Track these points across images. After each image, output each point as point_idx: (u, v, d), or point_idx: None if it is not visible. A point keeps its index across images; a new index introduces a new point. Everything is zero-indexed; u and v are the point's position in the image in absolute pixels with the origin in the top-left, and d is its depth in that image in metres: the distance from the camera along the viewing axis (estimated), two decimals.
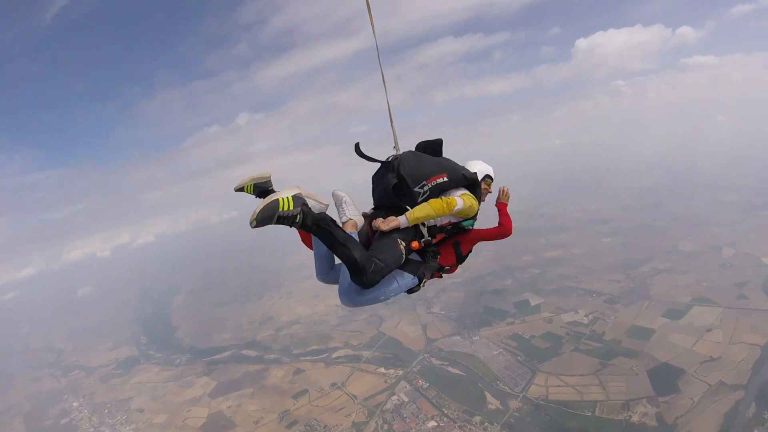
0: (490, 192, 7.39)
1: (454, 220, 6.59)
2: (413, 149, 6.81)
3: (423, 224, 6.23)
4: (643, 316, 70.53)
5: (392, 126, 7.11)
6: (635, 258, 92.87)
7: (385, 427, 59.85)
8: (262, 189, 5.67)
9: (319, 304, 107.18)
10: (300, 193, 5.11)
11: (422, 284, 6.37)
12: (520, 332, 73.24)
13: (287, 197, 4.93)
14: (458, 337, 76.57)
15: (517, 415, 55.86)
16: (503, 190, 7.33)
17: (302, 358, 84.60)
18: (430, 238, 6.32)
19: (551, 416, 54.32)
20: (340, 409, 65.96)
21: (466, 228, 6.81)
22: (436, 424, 57.43)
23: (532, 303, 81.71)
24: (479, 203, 6.84)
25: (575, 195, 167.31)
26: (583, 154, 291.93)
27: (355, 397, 67.85)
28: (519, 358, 66.86)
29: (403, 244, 5.81)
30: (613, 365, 60.85)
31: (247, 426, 68.52)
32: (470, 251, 7.08)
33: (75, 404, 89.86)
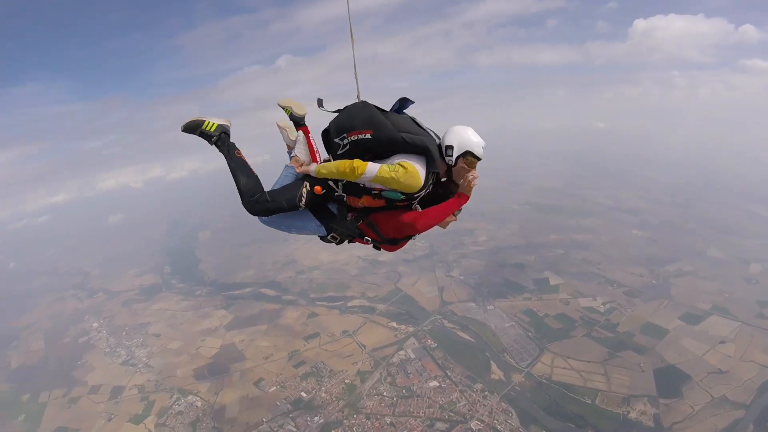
0: (474, 175, 5.84)
1: (380, 187, 5.73)
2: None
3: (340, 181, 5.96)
4: (659, 315, 70.09)
5: (355, 75, 6.92)
6: (661, 255, 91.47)
7: (389, 379, 61.49)
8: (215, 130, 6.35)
9: (342, 253, 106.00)
10: (227, 125, 6.32)
11: (334, 239, 6.44)
12: (534, 309, 73.57)
13: (213, 122, 6.22)
14: (473, 304, 77.17)
15: (518, 389, 56.81)
16: (467, 178, 5.79)
17: (318, 303, 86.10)
18: (343, 194, 6.08)
19: (551, 396, 55.15)
20: (347, 356, 67.77)
21: (394, 201, 5.91)
22: (438, 384, 58.82)
23: (552, 282, 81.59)
24: (431, 180, 5.80)
25: (608, 180, 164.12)
26: (623, 140, 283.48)
27: (364, 346, 69.54)
28: (529, 333, 67.48)
29: (306, 188, 6.02)
30: (621, 357, 61.04)
31: (256, 360, 70.58)
32: (407, 236, 6.16)
33: (95, 325, 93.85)
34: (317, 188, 5.99)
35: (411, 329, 72.23)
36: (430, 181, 5.82)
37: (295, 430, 56.24)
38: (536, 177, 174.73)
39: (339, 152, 5.92)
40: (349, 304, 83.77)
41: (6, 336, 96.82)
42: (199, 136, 6.21)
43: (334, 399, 59.61)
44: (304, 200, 6.03)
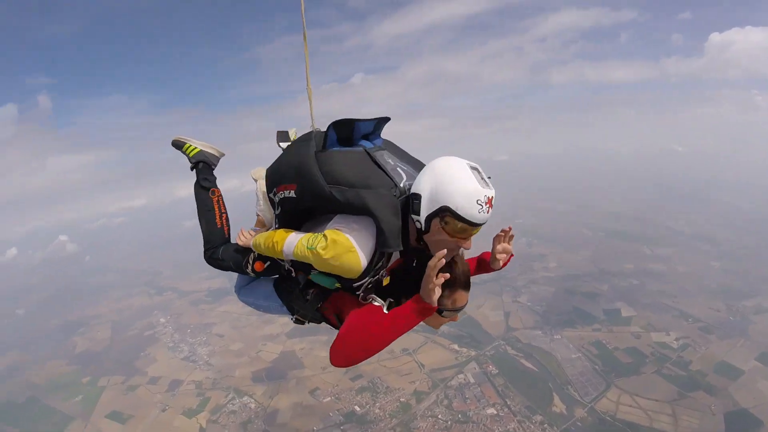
0: (460, 244, 3.67)
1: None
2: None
3: None
4: (735, 354, 65.66)
5: (309, 96, 5.26)
6: (740, 288, 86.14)
7: (445, 402, 59.83)
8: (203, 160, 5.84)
9: None
10: (210, 154, 5.82)
11: (299, 322, 4.84)
12: (604, 341, 70.32)
13: (195, 147, 5.80)
14: (539, 332, 74.62)
15: (579, 424, 54.12)
16: (434, 262, 3.32)
17: None
18: (290, 269, 4.44)
19: None
20: (405, 374, 66.59)
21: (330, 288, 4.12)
22: (495, 412, 56.61)
23: (624, 314, 77.93)
24: (381, 259, 3.79)
25: (685, 206, 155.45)
26: (701, 164, 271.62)
27: (423, 366, 68.16)
28: (596, 366, 64.47)
29: (250, 259, 4.74)
30: (691, 398, 57.46)
31: (314, 369, 70.95)
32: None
33: (162, 320, 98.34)
34: (257, 264, 4.67)
35: (473, 353, 70.15)
36: (379, 262, 3.77)
37: None
38: (609, 201, 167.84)
39: (276, 214, 4.37)
40: None
41: (75, 322, 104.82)
42: (183, 154, 5.94)
43: (387, 416, 58.74)
44: (250, 267, 4.76)
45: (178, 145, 5.93)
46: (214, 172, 5.87)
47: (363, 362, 3.78)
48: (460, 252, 3.86)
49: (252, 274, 4.86)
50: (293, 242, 3.79)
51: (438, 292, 3.41)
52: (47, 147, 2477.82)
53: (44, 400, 74.35)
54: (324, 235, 3.53)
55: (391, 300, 3.90)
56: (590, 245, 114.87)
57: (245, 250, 4.82)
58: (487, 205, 3.41)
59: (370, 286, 3.98)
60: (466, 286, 3.82)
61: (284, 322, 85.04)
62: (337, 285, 3.96)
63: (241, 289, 5.54)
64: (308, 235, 3.74)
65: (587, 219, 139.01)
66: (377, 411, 59.91)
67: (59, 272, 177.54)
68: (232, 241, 5.32)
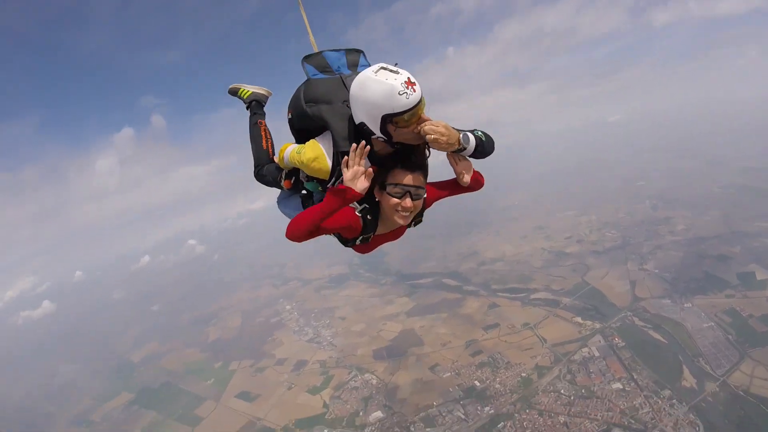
0: (420, 127, 4.01)
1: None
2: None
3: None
4: None
5: (309, 33, 6.00)
6: None
7: (568, 377, 58.25)
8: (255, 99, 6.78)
9: (525, 245, 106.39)
10: (261, 94, 6.74)
11: None
12: (738, 308, 64.73)
13: (248, 90, 6.74)
14: (668, 301, 70.19)
15: (710, 399, 50.38)
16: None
17: (500, 294, 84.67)
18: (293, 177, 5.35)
19: (746, 412, 48.16)
20: (526, 349, 65.62)
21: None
22: (621, 387, 54.33)
23: (759, 277, 71.03)
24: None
25: None
26: None
27: (544, 340, 66.78)
28: (730, 336, 59.46)
29: (282, 176, 5.53)
30: None
31: (434, 346, 71.87)
32: (335, 229, 4.41)
33: (287, 307, 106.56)
34: (285, 182, 5.47)
35: (597, 326, 67.58)
36: (338, 165, 4.32)
37: (463, 416, 55.91)
38: (740, 155, 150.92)
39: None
40: (532, 296, 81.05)
41: (207, 315, 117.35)
42: (239, 99, 6.85)
43: (508, 391, 58.02)
44: (282, 182, 5.53)
45: (233, 91, 6.90)
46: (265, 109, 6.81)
47: (373, 252, 4.86)
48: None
49: (282, 187, 5.62)
50: (288, 151, 4.88)
51: (353, 174, 3.98)
52: (166, 162, 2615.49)
53: (178, 384, 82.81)
54: (304, 144, 4.51)
55: (366, 205, 4.44)
56: (720, 204, 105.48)
57: (280, 168, 5.57)
58: (410, 87, 3.74)
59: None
60: (410, 167, 4.24)
61: (404, 302, 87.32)
62: (320, 189, 4.96)
63: (280, 202, 6.08)
64: (298, 145, 4.70)
65: (716, 176, 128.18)
66: (497, 386, 59.43)
67: (190, 272, 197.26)
68: None
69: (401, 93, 3.70)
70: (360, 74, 3.93)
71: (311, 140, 4.46)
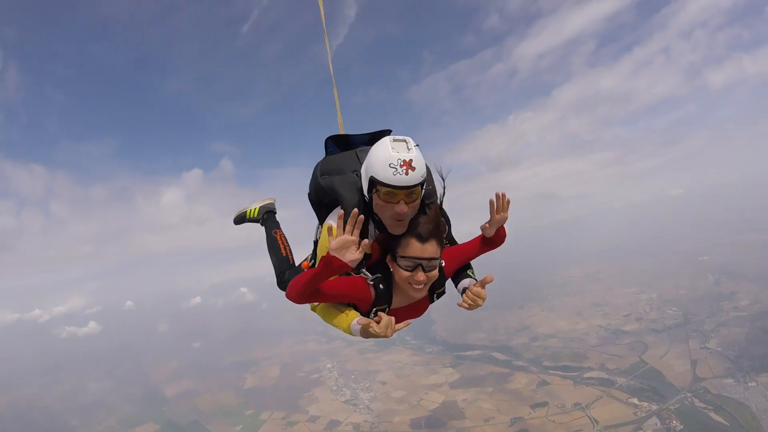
0: (394, 209, 3.86)
1: None
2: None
3: None
4: None
5: (336, 100, 5.98)
6: None
7: None
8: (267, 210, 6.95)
9: (581, 322, 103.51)
10: (269, 204, 6.90)
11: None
12: None
13: (255, 208, 6.84)
14: (731, 380, 66.22)
15: None
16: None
17: (551, 371, 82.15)
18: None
19: None
20: (576, 431, 62.75)
21: None
22: None
23: None
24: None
25: None
26: None
27: (596, 422, 63.70)
28: None
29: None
30: None
31: (475, 421, 69.70)
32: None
33: (328, 365, 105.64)
34: (303, 263, 5.53)
35: (654, 407, 64.04)
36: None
37: None
38: None
39: None
40: (586, 375, 77.98)
41: (248, 362, 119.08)
42: (249, 222, 6.97)
43: None
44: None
45: (240, 219, 7.04)
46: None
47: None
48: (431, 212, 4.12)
49: None
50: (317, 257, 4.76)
51: (339, 244, 3.58)
52: (230, 207, 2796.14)
53: (206, 424, 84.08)
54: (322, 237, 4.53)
55: (379, 275, 4.21)
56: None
57: (299, 267, 5.73)
58: (403, 168, 3.64)
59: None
60: (421, 237, 3.96)
61: (449, 371, 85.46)
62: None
63: None
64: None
65: None
66: None
67: (238, 318, 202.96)
68: None
69: (391, 166, 3.65)
70: (387, 137, 3.89)
71: (324, 224, 4.50)
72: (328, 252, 3.63)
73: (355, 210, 3.56)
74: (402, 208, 3.79)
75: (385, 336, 3.91)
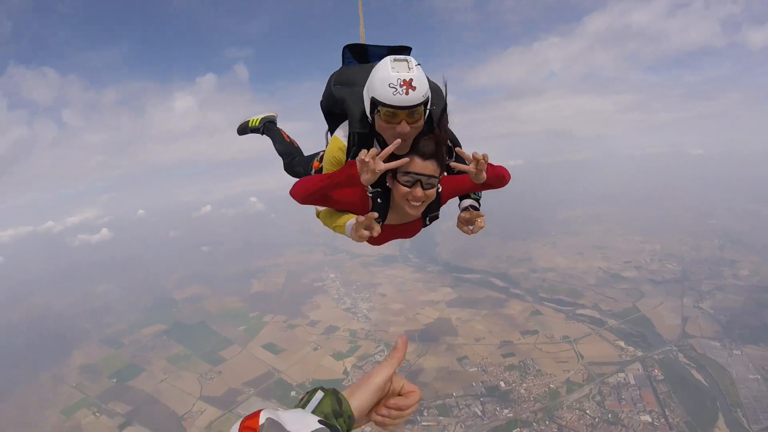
0: (396, 129, 3.92)
1: None
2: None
3: None
4: None
5: (361, 27, 5.85)
6: None
7: (597, 398, 56.91)
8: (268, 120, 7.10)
9: (581, 261, 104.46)
10: (271, 116, 7.03)
11: None
12: None
13: (257, 119, 6.99)
14: (717, 344, 67.36)
15: None
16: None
17: (545, 303, 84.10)
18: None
19: None
20: (561, 362, 64.73)
21: None
22: (650, 420, 52.57)
23: None
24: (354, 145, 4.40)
25: None
26: None
27: (581, 357, 65.74)
28: None
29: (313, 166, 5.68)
30: None
31: (467, 339, 72.09)
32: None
33: (332, 275, 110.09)
34: (315, 163, 5.74)
35: (639, 353, 65.64)
36: (354, 146, 4.41)
37: (480, 413, 55.89)
38: None
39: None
40: (578, 311, 79.86)
41: (255, 269, 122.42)
42: (251, 133, 7.10)
43: (532, 399, 57.38)
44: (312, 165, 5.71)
45: (242, 129, 7.18)
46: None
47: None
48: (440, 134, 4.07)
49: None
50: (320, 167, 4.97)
51: (363, 166, 3.78)
52: (244, 116, 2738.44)
53: (211, 325, 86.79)
54: (328, 147, 4.68)
55: (379, 189, 4.38)
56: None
57: (309, 158, 5.88)
58: (403, 87, 3.68)
59: None
60: (423, 155, 4.01)
61: (447, 291, 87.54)
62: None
63: None
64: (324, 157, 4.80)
65: None
66: (522, 391, 58.86)
67: (247, 226, 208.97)
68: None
69: (391, 86, 3.71)
70: (386, 57, 3.94)
71: (333, 136, 4.57)
72: (348, 165, 3.96)
73: (373, 149, 3.77)
74: (404, 128, 3.88)
75: (367, 230, 4.12)
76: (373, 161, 3.74)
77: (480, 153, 4.02)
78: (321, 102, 4.93)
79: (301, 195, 4.20)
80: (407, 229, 4.93)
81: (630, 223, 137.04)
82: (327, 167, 4.60)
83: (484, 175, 4.14)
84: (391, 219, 4.57)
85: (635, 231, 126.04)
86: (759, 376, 59.40)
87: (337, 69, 4.86)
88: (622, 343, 68.51)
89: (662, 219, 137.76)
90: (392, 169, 4.00)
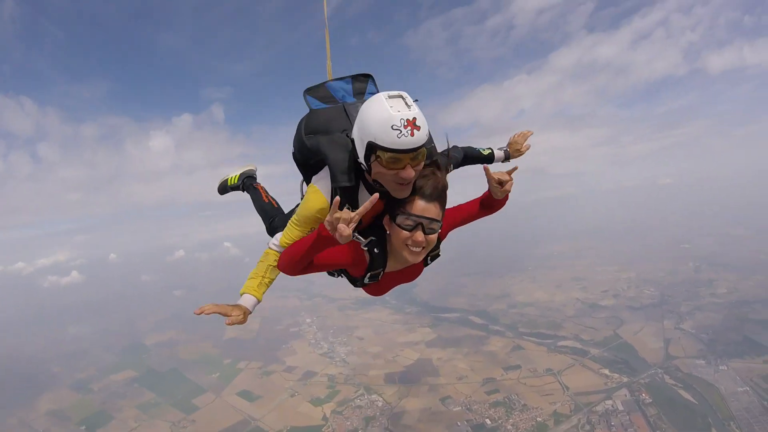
0: (400, 175, 3.37)
1: None
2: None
3: None
4: None
5: (329, 69, 5.18)
6: None
7: (587, 427, 55.79)
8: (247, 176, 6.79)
9: (560, 294, 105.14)
10: (250, 170, 6.69)
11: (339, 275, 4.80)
12: None
13: (234, 175, 6.66)
14: (702, 362, 66.96)
15: None
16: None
17: (526, 338, 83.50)
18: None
19: None
20: (546, 394, 63.58)
21: None
22: None
23: None
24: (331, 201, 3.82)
25: None
26: None
27: (567, 388, 64.50)
28: (766, 402, 56.14)
29: None
30: None
31: (449, 379, 70.61)
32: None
33: (308, 320, 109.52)
34: None
35: (625, 379, 64.87)
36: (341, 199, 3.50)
37: None
38: None
39: None
40: (560, 343, 79.28)
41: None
42: (232, 191, 6.74)
43: None
44: None
45: (222, 189, 6.80)
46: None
47: (307, 274, 4.08)
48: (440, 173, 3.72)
49: None
50: (291, 221, 4.18)
51: (336, 225, 3.21)
52: (220, 157, 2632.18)
53: (184, 372, 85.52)
54: (305, 195, 4.04)
55: (373, 238, 3.91)
56: (766, 270, 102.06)
57: (289, 216, 4.94)
58: (408, 128, 3.17)
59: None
60: (425, 196, 3.60)
61: (426, 331, 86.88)
62: None
63: None
64: (299, 205, 4.22)
65: (765, 244, 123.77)
66: (509, 427, 57.50)
67: (220, 272, 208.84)
68: None
69: (394, 128, 3.14)
70: (376, 94, 3.38)
71: (310, 185, 4.02)
72: (319, 229, 3.43)
73: (337, 199, 3.15)
74: (409, 173, 3.36)
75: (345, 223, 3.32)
76: (345, 227, 3.18)
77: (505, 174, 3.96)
78: (294, 154, 4.48)
79: (288, 270, 3.93)
80: (409, 273, 4.43)
81: (606, 255, 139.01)
82: (302, 228, 4.02)
83: (508, 188, 4.05)
84: (391, 266, 4.12)
85: (611, 262, 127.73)
86: (748, 388, 59.02)
87: (306, 115, 4.32)
88: (606, 371, 67.73)
89: (637, 249, 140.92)
90: (389, 210, 3.71)
